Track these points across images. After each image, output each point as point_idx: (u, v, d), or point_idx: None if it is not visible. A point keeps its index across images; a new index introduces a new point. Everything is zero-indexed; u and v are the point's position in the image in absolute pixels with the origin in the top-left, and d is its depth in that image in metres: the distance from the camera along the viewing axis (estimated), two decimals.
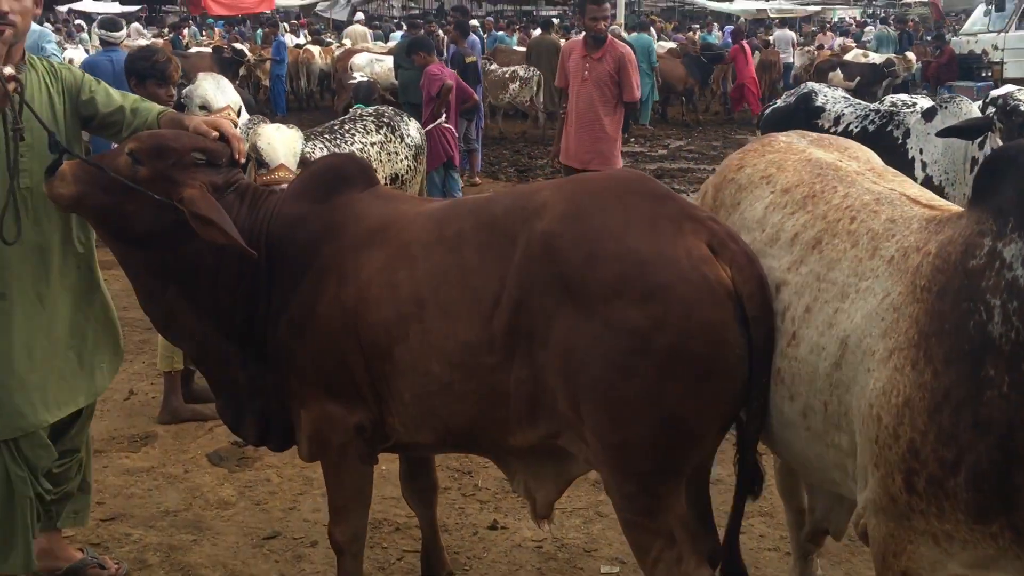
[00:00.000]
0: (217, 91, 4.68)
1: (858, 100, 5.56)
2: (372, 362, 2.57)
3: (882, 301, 2.09)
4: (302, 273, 2.63)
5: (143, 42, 13.00)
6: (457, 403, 2.49)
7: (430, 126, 7.74)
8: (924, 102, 5.43)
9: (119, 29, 7.52)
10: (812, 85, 5.80)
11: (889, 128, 5.16)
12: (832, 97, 5.52)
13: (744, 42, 17.77)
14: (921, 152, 4.98)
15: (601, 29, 6.28)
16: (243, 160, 2.86)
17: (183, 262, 2.69)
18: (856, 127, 5.30)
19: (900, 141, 5.08)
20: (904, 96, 6.15)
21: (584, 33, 6.50)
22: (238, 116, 4.82)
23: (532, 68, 14.83)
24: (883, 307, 2.08)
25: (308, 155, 5.43)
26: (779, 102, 5.91)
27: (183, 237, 2.62)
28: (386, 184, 5.91)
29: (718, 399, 2.30)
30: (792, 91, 5.95)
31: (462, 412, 2.50)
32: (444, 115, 8.17)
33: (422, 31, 12.75)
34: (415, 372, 2.50)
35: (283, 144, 4.50)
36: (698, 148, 14.67)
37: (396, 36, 22.24)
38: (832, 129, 5.29)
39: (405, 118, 6.21)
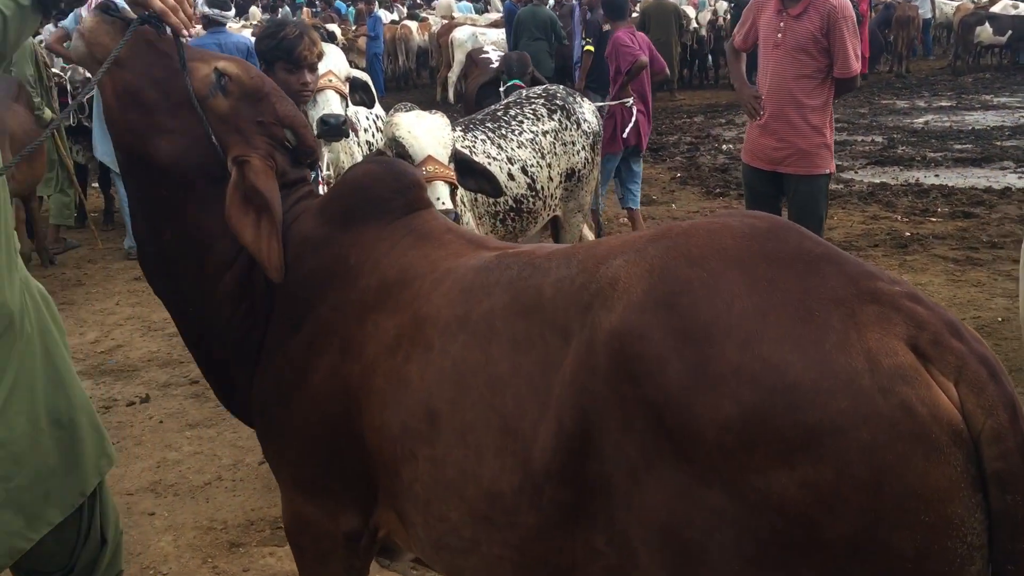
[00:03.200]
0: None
1: None
2: (376, 469, 1.88)
3: None
4: (301, 318, 1.99)
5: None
6: (489, 570, 1.72)
7: (613, 104, 6.47)
8: None
9: (228, 7, 6.49)
10: None
11: None
12: None
13: None
14: None
15: None
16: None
17: (201, 225, 2.07)
18: None
19: None
20: None
21: None
22: (345, 85, 3.80)
23: None
24: None
25: (469, 148, 4.37)
26: None
27: (208, 198, 2.03)
28: (561, 182, 4.77)
29: None
30: None
31: None
32: (632, 96, 6.65)
33: None
34: (428, 512, 1.77)
35: (427, 133, 3.46)
36: (844, 116, 13.18)
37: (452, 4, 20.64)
38: None
39: (579, 99, 5.04)
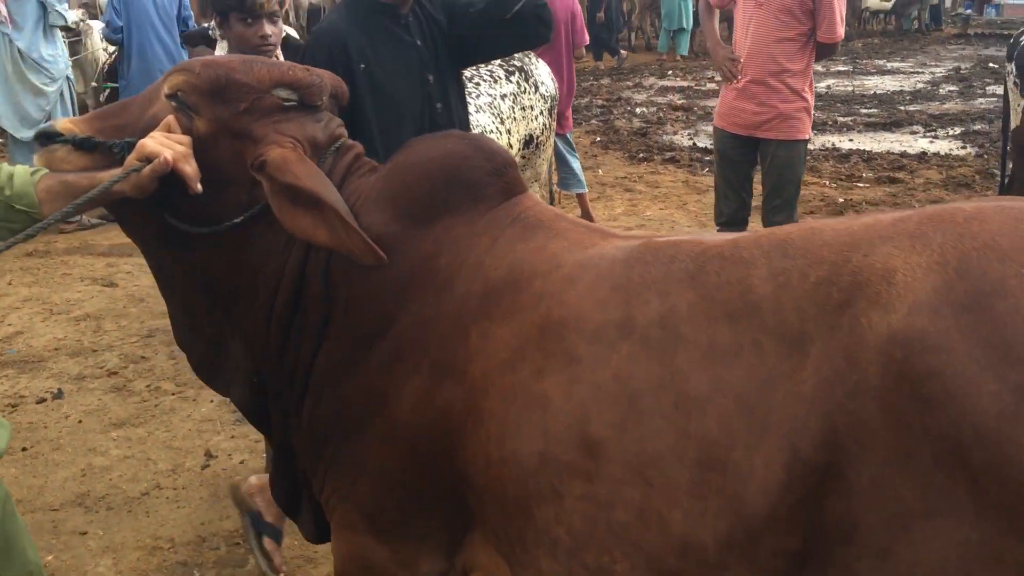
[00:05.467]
0: None
1: None
2: (484, 506, 1.55)
3: None
4: (373, 335, 1.64)
5: None
6: None
7: None
8: None
9: None
10: None
11: None
12: None
13: None
14: None
15: None
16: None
17: (240, 268, 1.74)
18: None
19: None
20: None
21: None
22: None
23: None
24: None
25: None
26: None
27: (251, 230, 1.70)
28: (519, 149, 4.42)
29: None
30: None
31: None
32: None
33: None
34: (574, 561, 1.43)
35: None
36: None
37: None
38: None
39: (535, 60, 4.68)
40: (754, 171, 4.66)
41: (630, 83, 13.75)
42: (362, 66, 2.45)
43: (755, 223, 5.13)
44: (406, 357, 1.59)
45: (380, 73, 2.46)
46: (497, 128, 4.24)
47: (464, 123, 2.65)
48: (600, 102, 12.03)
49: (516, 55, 4.56)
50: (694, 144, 9.36)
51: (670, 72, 14.47)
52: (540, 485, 1.43)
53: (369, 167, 1.79)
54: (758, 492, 1.25)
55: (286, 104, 1.73)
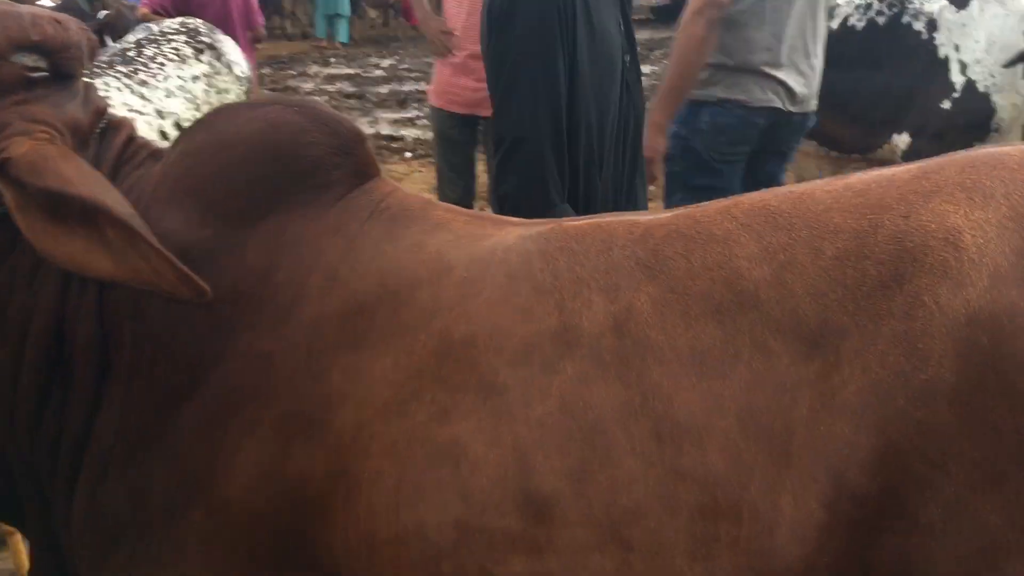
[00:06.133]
0: None
1: None
2: None
3: None
4: (183, 387, 1.19)
5: None
6: None
7: None
8: None
9: None
10: None
11: (906, 20, 4.10)
12: None
13: None
14: (957, 49, 3.98)
15: None
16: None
17: None
18: (860, 22, 4.19)
19: (926, 36, 4.05)
20: None
21: None
22: None
23: None
24: None
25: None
26: None
27: None
28: None
29: None
30: None
31: None
32: None
33: None
34: None
35: None
36: (416, 66, 13.10)
37: None
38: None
39: (220, 35, 4.07)
40: (477, 152, 4.41)
41: (293, 72, 13.12)
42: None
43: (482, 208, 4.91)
44: (237, 412, 1.13)
45: (598, 20, 2.13)
46: (193, 116, 3.62)
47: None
48: (266, 92, 11.33)
49: (203, 31, 3.94)
50: (377, 132, 9.05)
51: (332, 60, 14.00)
52: (461, 566, 1.04)
53: (149, 151, 1.28)
54: (789, 540, 0.95)
55: (31, 74, 1.21)
